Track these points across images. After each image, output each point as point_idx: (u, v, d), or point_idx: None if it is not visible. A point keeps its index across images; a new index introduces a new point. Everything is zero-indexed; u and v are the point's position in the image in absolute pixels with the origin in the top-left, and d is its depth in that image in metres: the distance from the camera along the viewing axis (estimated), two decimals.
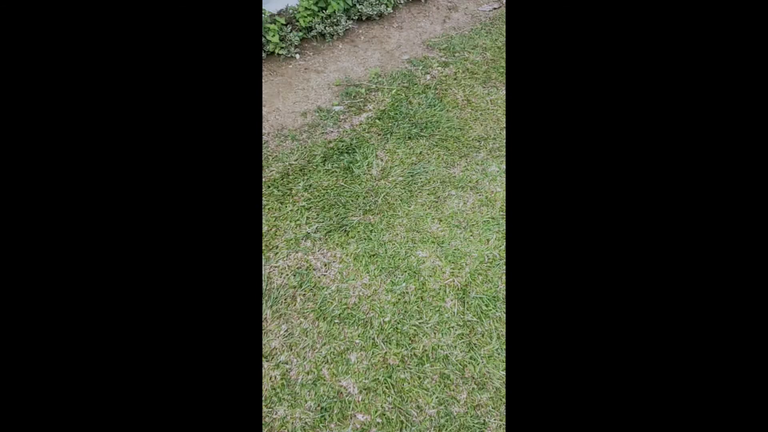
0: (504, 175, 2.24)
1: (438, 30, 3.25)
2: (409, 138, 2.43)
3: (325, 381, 1.56)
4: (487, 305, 1.74)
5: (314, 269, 1.87)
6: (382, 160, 2.32)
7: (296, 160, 2.31)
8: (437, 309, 1.73)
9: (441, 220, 2.04)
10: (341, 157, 2.32)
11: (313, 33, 2.98)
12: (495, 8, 3.52)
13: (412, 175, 2.23)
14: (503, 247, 1.93)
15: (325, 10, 2.98)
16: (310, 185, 2.19)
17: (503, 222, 2.02)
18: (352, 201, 2.12)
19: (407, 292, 1.78)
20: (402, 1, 3.32)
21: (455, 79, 2.82)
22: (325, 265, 1.87)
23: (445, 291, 1.79)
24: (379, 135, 2.46)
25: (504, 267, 1.86)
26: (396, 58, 2.99)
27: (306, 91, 2.73)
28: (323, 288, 1.79)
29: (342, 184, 2.20)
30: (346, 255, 1.90)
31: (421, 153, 2.36)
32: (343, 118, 2.57)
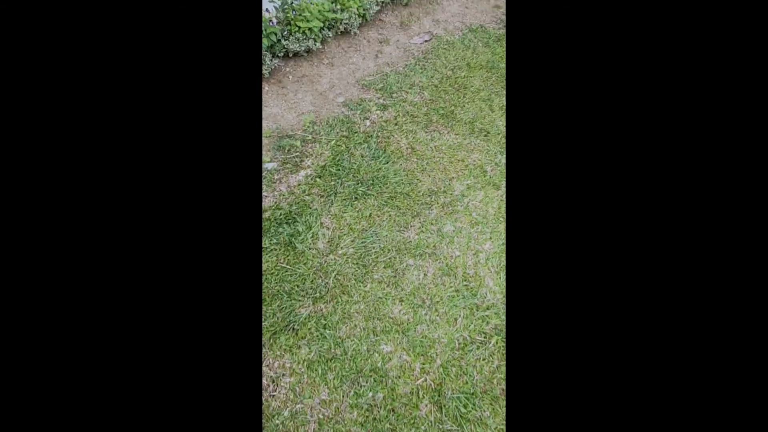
0: (459, 235, 2.02)
1: (371, 66, 2.97)
2: (356, 198, 2.12)
3: None
4: (465, 406, 1.49)
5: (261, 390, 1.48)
6: (328, 229, 1.98)
7: None
8: (412, 421, 1.45)
9: (402, 300, 1.75)
10: (280, 230, 1.93)
11: None
12: (426, 41, 3.32)
13: (364, 245, 1.92)
14: (472, 326, 1.70)
15: None
16: None
17: (468, 294, 1.79)
18: (298, 287, 1.75)
19: (375, 404, 1.47)
20: (331, 35, 2.98)
21: (396, 124, 2.55)
22: (274, 381, 1.49)
23: (417, 395, 1.50)
24: (322, 197, 2.11)
25: (477, 351, 1.63)
26: (330, 101, 2.65)
27: None
28: (273, 416, 1.41)
29: (284, 265, 1.82)
30: (298, 363, 1.54)
31: (370, 215, 2.06)
32: (277, 179, 2.18)
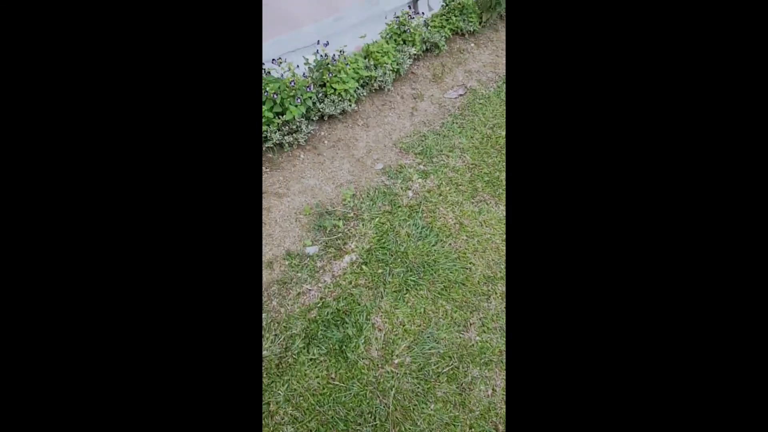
0: None
1: (407, 126, 2.78)
2: (407, 290, 1.90)
3: None
4: None
5: None
6: (380, 331, 1.75)
7: (269, 347, 1.65)
8: None
9: (472, 427, 1.51)
10: (329, 334, 1.71)
11: (269, 144, 2.34)
12: (461, 95, 3.14)
13: (422, 352, 1.69)
14: None
15: (282, 115, 2.36)
16: (294, 392, 1.54)
17: None
18: (354, 410, 1.52)
19: None
20: (365, 93, 2.81)
21: (440, 194, 2.35)
22: None
23: None
24: (370, 289, 1.89)
25: None
26: (369, 168, 2.46)
27: (268, 227, 2.08)
28: None
29: (335, 381, 1.59)
30: None
31: (425, 311, 1.83)
32: (320, 266, 1.96)
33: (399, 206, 2.25)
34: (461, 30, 3.55)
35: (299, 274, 1.89)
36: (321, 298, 1.82)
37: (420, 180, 2.41)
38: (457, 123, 2.84)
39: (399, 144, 2.62)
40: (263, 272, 1.89)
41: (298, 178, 2.31)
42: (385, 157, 2.53)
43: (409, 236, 2.11)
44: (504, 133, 2.79)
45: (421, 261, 2.00)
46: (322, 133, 2.57)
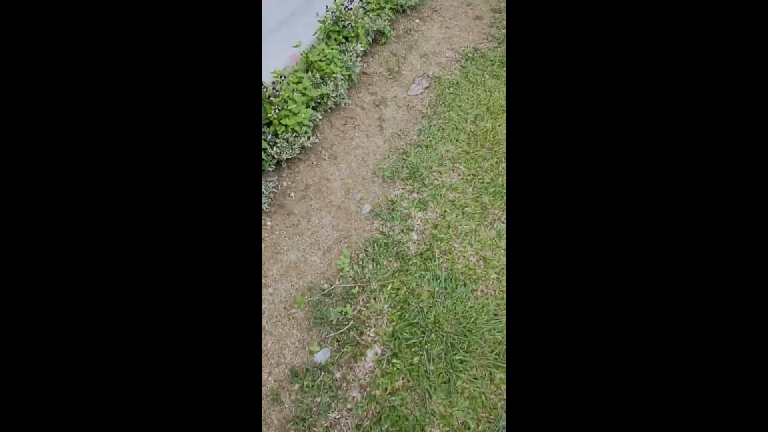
0: None
1: (381, 145, 2.27)
2: (456, 375, 1.48)
3: None
4: None
5: None
6: None
7: None
8: None
9: None
10: None
11: None
12: (426, 87, 2.64)
13: None
14: None
15: None
16: None
17: None
18: None
19: None
20: (320, 116, 2.24)
21: (448, 226, 1.91)
22: None
23: None
24: (412, 390, 1.46)
25: None
26: (355, 215, 1.95)
27: None
28: None
29: None
30: None
31: (485, 398, 1.44)
32: (340, 377, 1.49)
33: (408, 258, 1.79)
34: (402, 6, 2.99)
35: (318, 399, 1.42)
36: (357, 426, 1.38)
37: (420, 214, 1.95)
38: (434, 125, 2.36)
39: (379, 172, 2.12)
40: (271, 410, 1.40)
41: (273, 255, 1.77)
42: (369, 194, 2.03)
43: (433, 297, 1.67)
44: (491, 125, 2.36)
45: (459, 329, 1.59)
46: (285, 184, 2.01)
